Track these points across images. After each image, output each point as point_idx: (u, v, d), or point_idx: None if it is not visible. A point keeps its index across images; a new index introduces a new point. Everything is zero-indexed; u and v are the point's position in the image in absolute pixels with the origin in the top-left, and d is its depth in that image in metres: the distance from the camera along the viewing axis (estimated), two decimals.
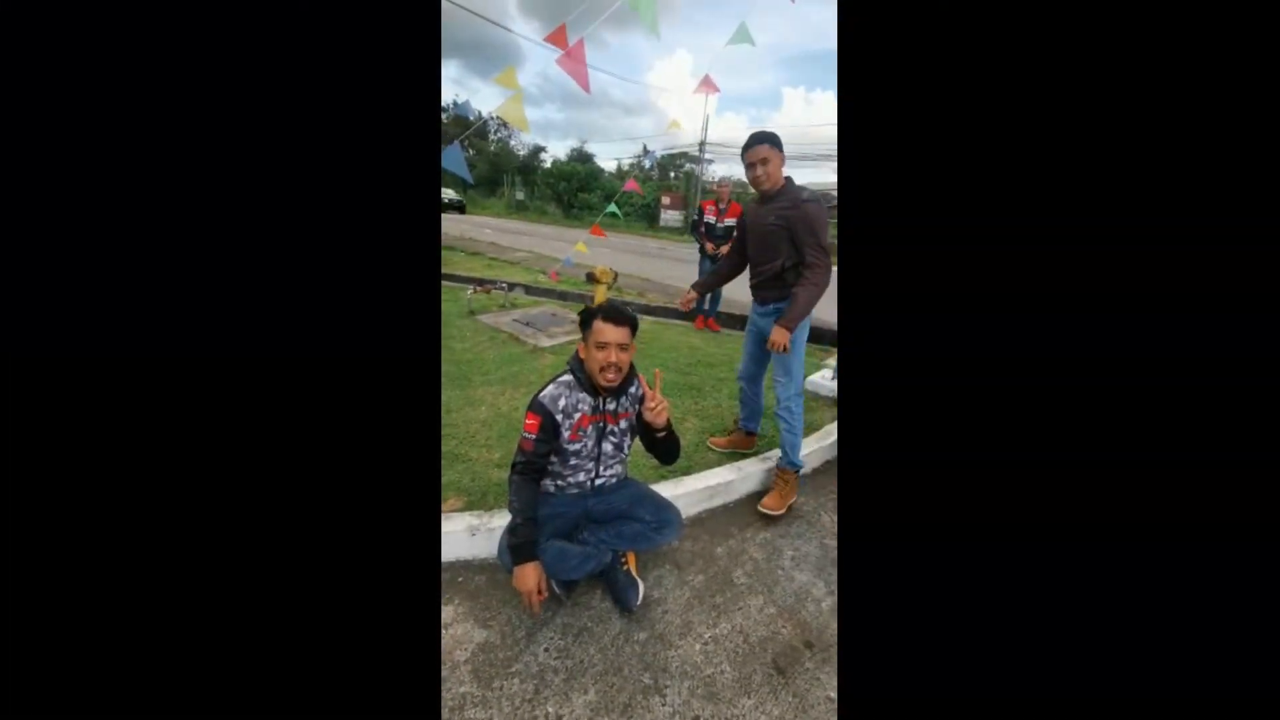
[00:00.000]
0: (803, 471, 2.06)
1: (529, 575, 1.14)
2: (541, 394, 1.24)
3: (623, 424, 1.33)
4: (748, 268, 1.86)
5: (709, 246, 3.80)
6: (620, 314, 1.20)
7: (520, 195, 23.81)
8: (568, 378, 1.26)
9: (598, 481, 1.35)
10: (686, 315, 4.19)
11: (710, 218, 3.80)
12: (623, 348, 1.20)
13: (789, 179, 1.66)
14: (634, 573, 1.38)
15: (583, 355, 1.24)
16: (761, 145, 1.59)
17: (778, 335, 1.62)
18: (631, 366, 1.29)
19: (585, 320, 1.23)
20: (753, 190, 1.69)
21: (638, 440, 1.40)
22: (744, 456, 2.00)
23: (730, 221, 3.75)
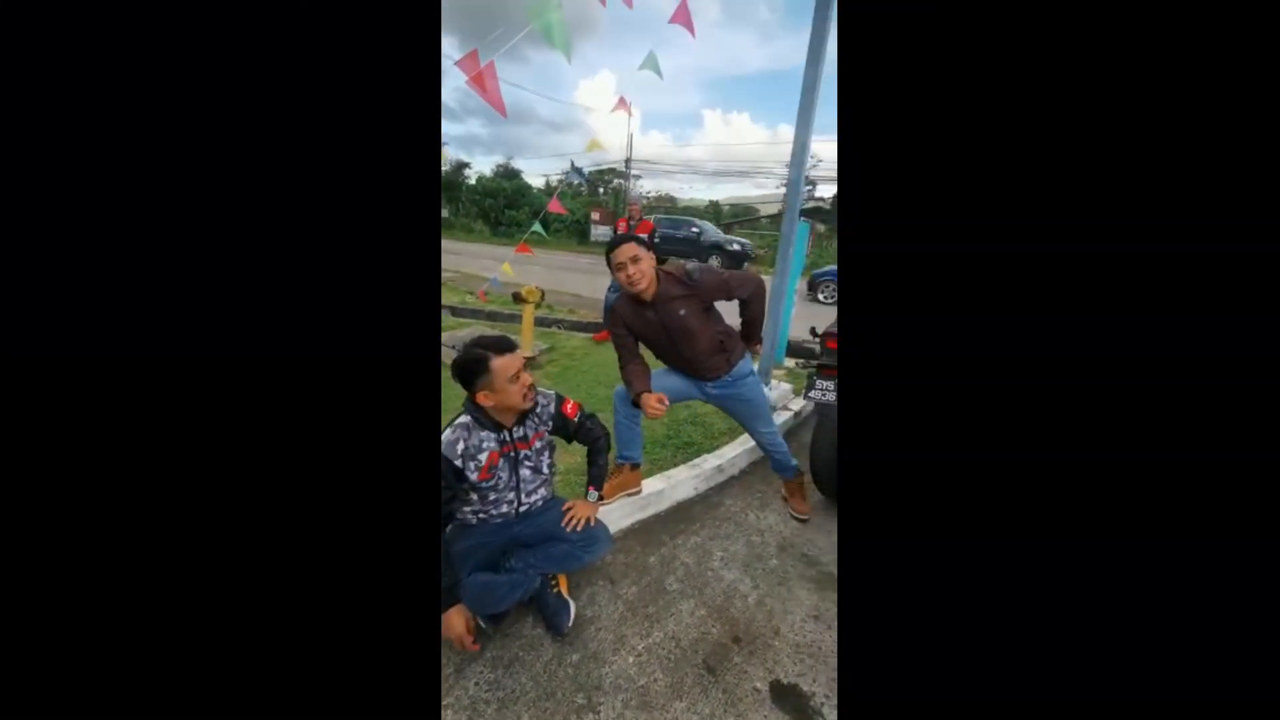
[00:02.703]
0: (730, 473, 2.17)
1: (453, 621, 1.10)
2: None
3: (537, 444, 1.33)
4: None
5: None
6: (505, 341, 1.20)
7: (445, 213, 22.96)
8: (465, 419, 1.22)
9: (522, 508, 1.34)
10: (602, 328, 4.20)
11: (620, 234, 3.95)
12: (525, 368, 1.21)
13: (659, 272, 1.54)
14: (565, 594, 1.37)
15: (486, 401, 1.19)
16: (628, 244, 1.47)
17: (757, 347, 1.75)
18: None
19: (474, 370, 1.16)
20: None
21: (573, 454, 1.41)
22: (672, 466, 2.05)
23: (642, 237, 3.90)
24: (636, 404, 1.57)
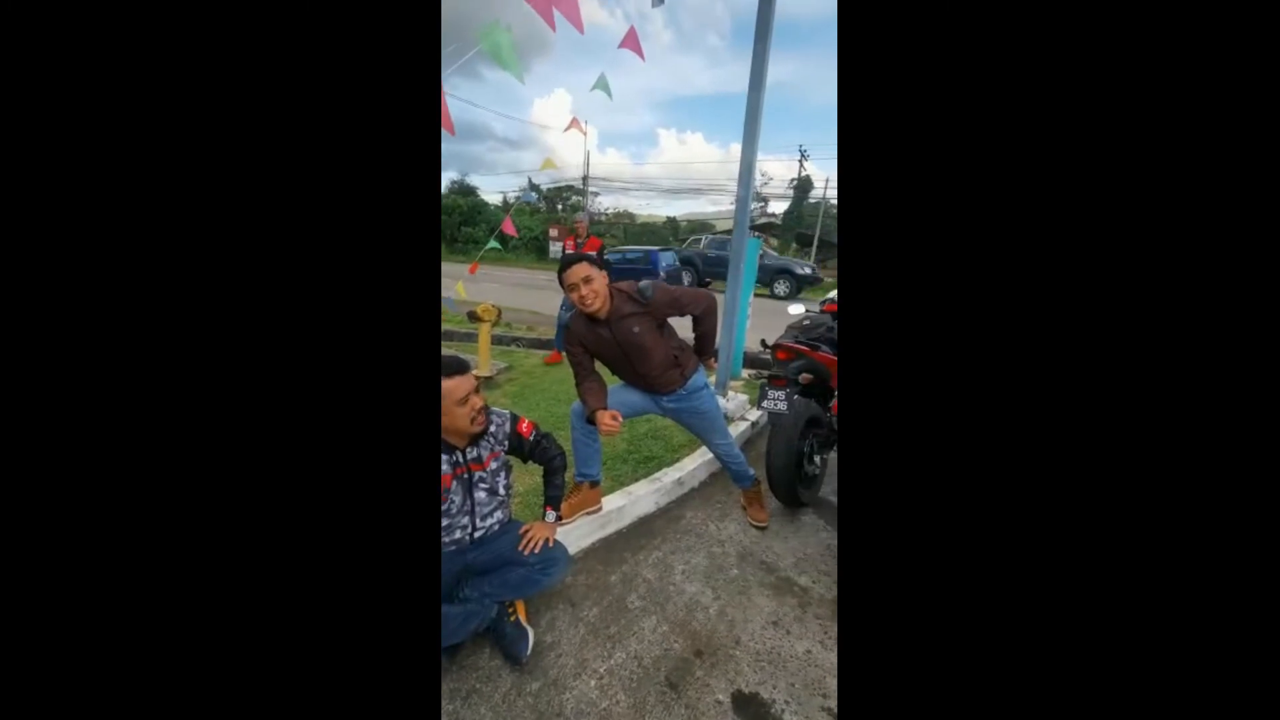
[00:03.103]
0: (690, 486, 2.19)
1: None
2: None
3: (493, 465, 1.30)
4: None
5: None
6: (455, 362, 1.19)
7: None
8: None
9: (477, 533, 1.30)
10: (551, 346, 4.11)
11: (570, 253, 3.90)
12: (476, 390, 1.19)
13: (613, 290, 1.55)
14: (523, 621, 1.33)
15: None
16: (580, 264, 1.47)
17: (710, 366, 1.78)
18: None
19: None
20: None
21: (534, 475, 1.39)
22: (632, 482, 2.05)
23: (592, 256, 3.87)
24: (591, 421, 1.57)
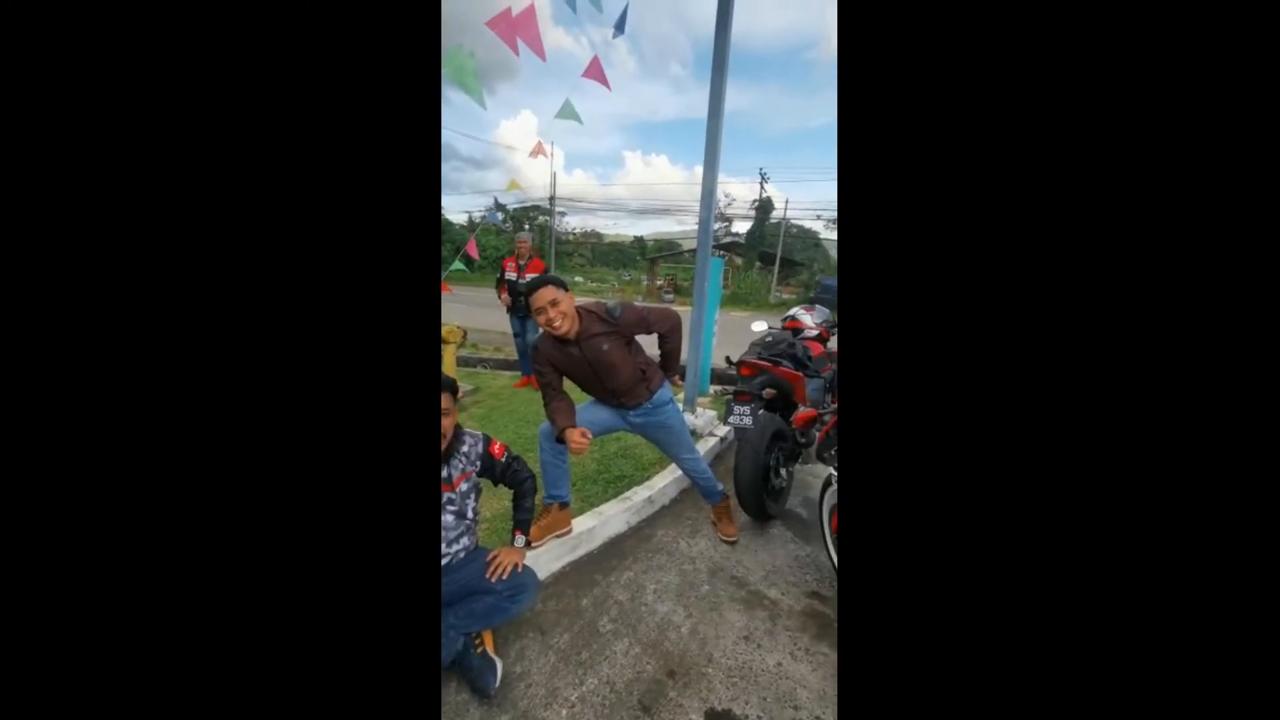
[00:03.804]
0: (660, 504, 2.20)
1: None
2: None
3: (463, 486, 1.28)
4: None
5: (504, 300, 3.68)
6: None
7: None
8: None
9: (443, 560, 1.26)
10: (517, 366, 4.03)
11: (511, 274, 3.64)
12: (445, 413, 1.18)
13: (580, 310, 1.58)
14: (491, 652, 1.29)
15: None
16: (546, 287, 1.48)
17: (677, 384, 1.79)
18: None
19: None
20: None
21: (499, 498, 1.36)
22: (603, 502, 2.04)
23: (533, 276, 3.71)
24: (561, 440, 1.57)
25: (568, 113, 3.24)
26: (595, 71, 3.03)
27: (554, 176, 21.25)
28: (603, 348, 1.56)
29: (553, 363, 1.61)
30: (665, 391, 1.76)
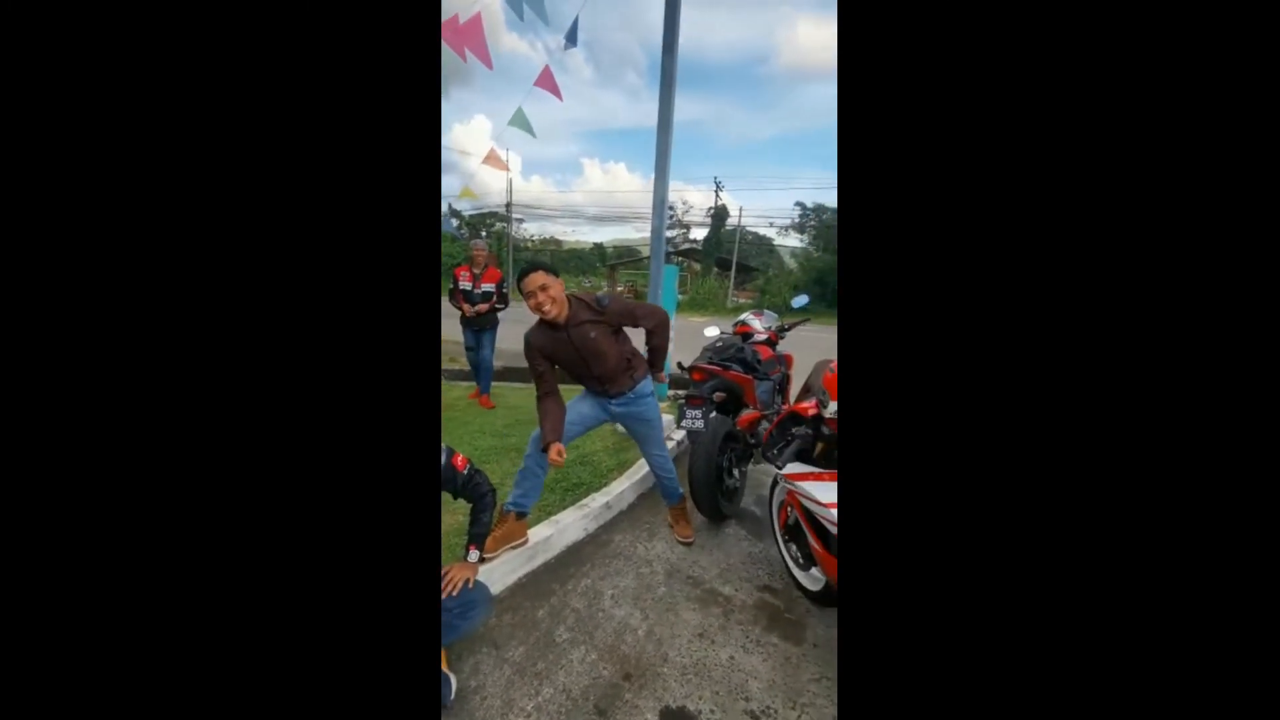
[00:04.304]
0: (618, 509, 2.22)
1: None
2: None
3: None
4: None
5: (465, 309, 3.49)
6: None
7: None
8: None
9: None
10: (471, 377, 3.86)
11: (465, 284, 3.50)
12: None
13: (570, 298, 1.64)
14: (444, 668, 1.26)
15: None
16: (536, 272, 1.54)
17: (659, 378, 1.82)
18: None
19: None
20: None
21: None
22: (559, 511, 2.04)
23: (488, 286, 3.47)
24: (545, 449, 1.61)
25: (519, 122, 3.24)
26: (547, 81, 3.05)
27: (510, 182, 20.98)
28: (590, 335, 1.63)
29: (542, 350, 1.66)
30: (647, 383, 1.82)
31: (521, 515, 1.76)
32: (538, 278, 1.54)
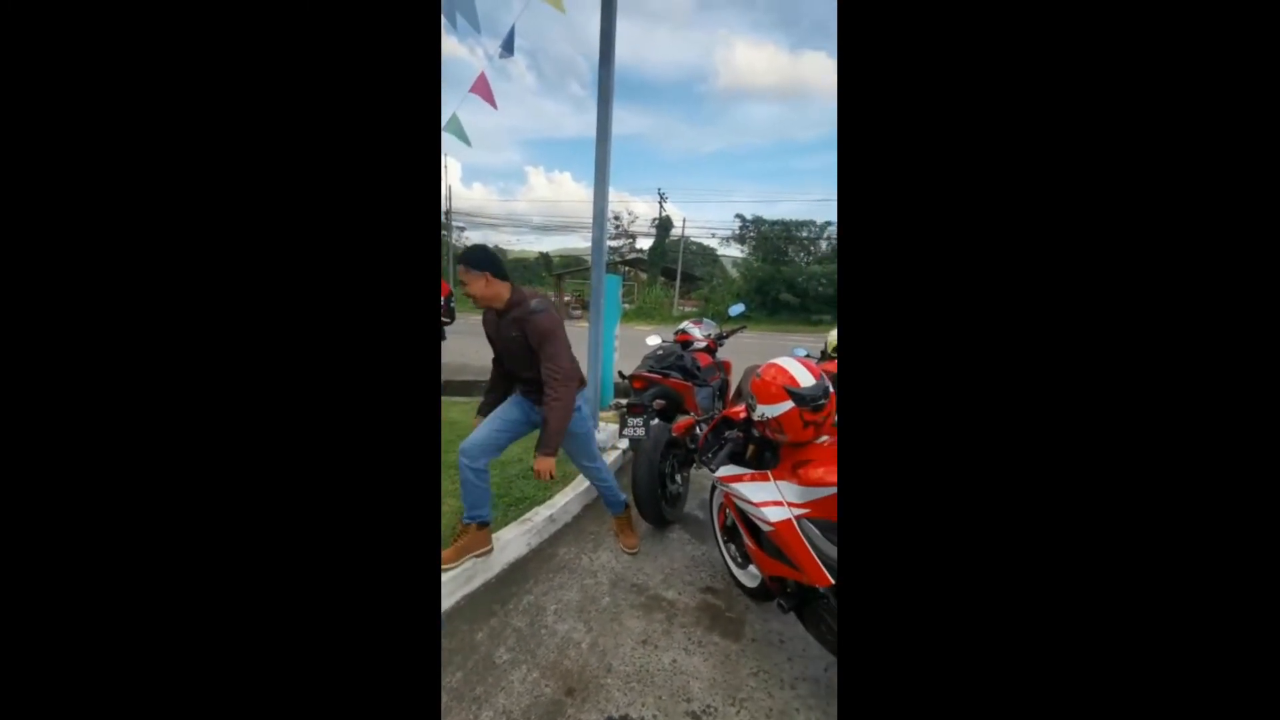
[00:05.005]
0: (562, 521, 2.19)
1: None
2: None
3: None
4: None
5: None
6: None
7: None
8: None
9: None
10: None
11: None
12: None
13: (514, 288, 1.61)
14: None
15: None
16: (459, 266, 1.54)
17: (542, 465, 1.54)
18: None
19: None
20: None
21: None
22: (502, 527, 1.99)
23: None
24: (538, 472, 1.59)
25: (455, 129, 3.15)
26: (482, 88, 3.00)
27: (450, 189, 20.27)
28: (512, 333, 1.60)
29: (487, 332, 1.70)
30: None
31: (484, 525, 1.71)
32: (460, 271, 1.56)
